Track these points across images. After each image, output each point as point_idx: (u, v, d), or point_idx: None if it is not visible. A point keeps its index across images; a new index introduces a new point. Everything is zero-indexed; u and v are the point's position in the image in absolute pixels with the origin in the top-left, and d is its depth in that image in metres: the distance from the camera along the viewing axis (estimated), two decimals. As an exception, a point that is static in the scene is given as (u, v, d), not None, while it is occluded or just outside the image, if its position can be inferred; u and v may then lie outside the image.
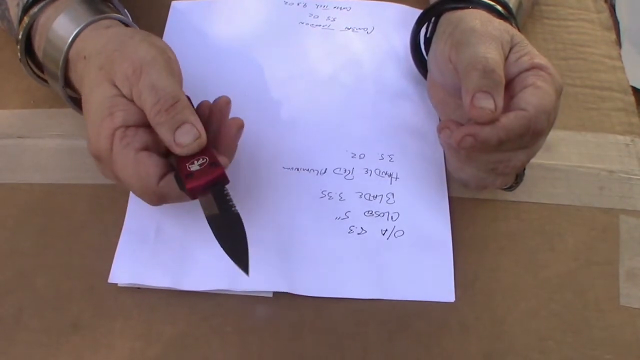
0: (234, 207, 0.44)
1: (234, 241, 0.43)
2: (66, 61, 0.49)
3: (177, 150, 0.44)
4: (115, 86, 0.45)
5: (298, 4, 0.64)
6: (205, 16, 0.63)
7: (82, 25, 0.48)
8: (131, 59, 0.45)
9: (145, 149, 0.44)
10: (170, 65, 0.46)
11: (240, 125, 0.47)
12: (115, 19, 0.50)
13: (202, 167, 0.43)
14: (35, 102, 0.57)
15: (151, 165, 0.44)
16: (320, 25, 0.62)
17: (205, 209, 0.44)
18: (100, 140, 0.44)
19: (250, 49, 0.61)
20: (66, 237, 0.50)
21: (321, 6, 0.64)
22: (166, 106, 0.44)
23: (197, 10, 0.63)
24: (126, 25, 0.52)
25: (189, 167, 0.44)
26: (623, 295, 0.49)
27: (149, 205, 0.50)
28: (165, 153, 0.46)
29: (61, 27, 0.49)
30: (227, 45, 0.61)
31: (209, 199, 0.44)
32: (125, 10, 0.54)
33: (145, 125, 0.45)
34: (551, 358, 0.46)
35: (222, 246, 0.42)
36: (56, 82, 0.50)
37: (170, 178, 0.44)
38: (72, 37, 0.48)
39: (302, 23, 0.63)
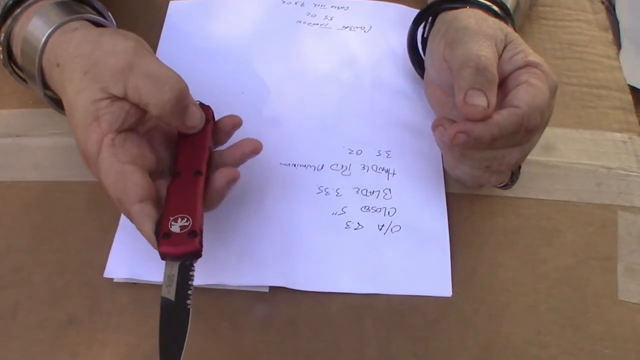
0: (190, 298, 0.41)
1: (171, 338, 0.40)
2: (41, 67, 0.48)
3: (190, 131, 0.47)
4: (102, 89, 0.44)
5: (296, 3, 0.64)
6: (203, 16, 0.63)
7: (49, 31, 0.47)
8: (114, 53, 0.44)
9: (133, 162, 0.44)
10: (151, 51, 0.46)
11: (234, 178, 0.46)
12: (85, 19, 0.50)
13: (182, 232, 0.41)
14: (34, 102, 0.57)
15: (132, 182, 0.43)
16: (317, 24, 0.63)
17: (165, 283, 0.41)
18: (88, 144, 0.44)
19: (248, 48, 0.61)
20: (62, 233, 0.50)
21: (319, 5, 0.64)
22: (173, 94, 0.44)
23: (195, 9, 0.64)
24: (99, 24, 0.51)
25: (170, 224, 0.42)
26: (621, 290, 0.48)
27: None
28: (156, 169, 0.45)
29: (34, 31, 0.48)
30: (224, 44, 0.61)
31: (173, 273, 0.41)
32: (109, 14, 0.54)
33: (133, 127, 0.45)
34: (550, 352, 0.46)
35: (160, 334, 0.40)
36: (36, 85, 0.50)
37: (148, 208, 0.42)
38: (41, 45, 0.47)
39: (300, 22, 0.63)
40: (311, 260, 0.49)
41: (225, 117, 0.49)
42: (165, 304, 0.41)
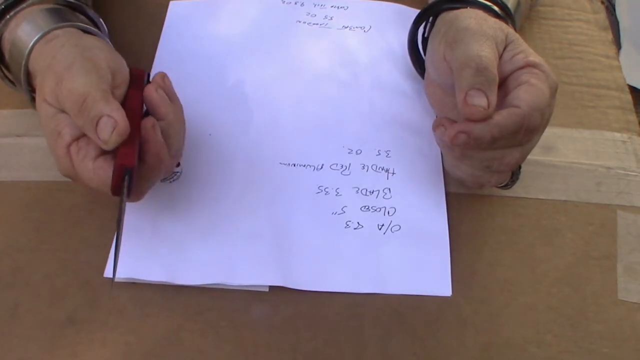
0: (124, 195, 0.42)
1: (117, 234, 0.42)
2: (28, 73, 0.49)
3: (105, 147, 0.42)
4: (50, 104, 0.44)
5: (295, 3, 0.65)
6: (203, 16, 0.63)
7: (35, 38, 0.47)
8: (54, 71, 0.44)
9: (103, 153, 0.44)
10: (93, 62, 0.45)
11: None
12: (72, 26, 0.49)
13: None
14: (34, 102, 0.58)
15: (110, 169, 0.43)
16: (317, 24, 0.63)
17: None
18: (60, 161, 0.44)
19: (248, 48, 0.61)
20: (62, 233, 0.50)
21: (318, 5, 0.64)
22: (77, 106, 0.42)
23: (195, 9, 0.64)
24: (84, 31, 0.50)
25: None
26: (621, 289, 0.48)
27: (145, 201, 0.51)
28: None
29: (22, 36, 0.48)
30: (224, 44, 0.61)
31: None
32: (101, 20, 0.53)
33: None
34: (549, 351, 0.46)
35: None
36: (23, 90, 0.50)
37: None
38: (27, 51, 0.48)
39: (300, 22, 0.63)
40: (311, 259, 0.49)
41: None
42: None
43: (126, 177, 0.42)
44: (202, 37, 0.62)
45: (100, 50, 0.46)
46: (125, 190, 0.42)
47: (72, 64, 0.44)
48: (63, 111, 0.44)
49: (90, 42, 0.47)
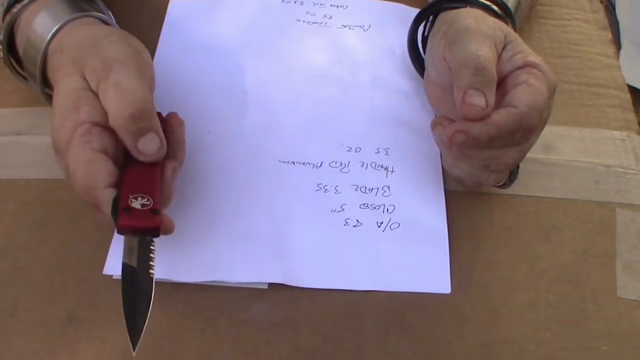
0: (153, 268, 0.41)
1: (135, 305, 0.40)
2: (44, 57, 0.49)
3: (140, 158, 0.43)
4: (85, 79, 0.44)
5: (295, 2, 0.65)
6: (203, 15, 0.64)
7: (63, 21, 0.48)
8: (103, 55, 0.44)
9: (104, 151, 0.43)
10: (143, 67, 0.45)
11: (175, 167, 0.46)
12: (96, 17, 0.50)
13: (144, 209, 0.42)
14: (35, 100, 0.57)
15: (103, 169, 0.42)
16: (317, 23, 0.63)
17: (126, 253, 0.42)
18: (62, 131, 0.44)
19: (248, 47, 0.61)
20: (62, 230, 0.50)
21: (318, 4, 0.65)
22: (131, 109, 0.42)
23: (195, 8, 0.64)
24: (107, 24, 0.51)
25: (131, 201, 0.42)
26: (620, 287, 0.48)
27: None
28: (122, 165, 0.45)
29: (41, 24, 0.48)
30: (224, 43, 0.61)
31: (133, 244, 0.42)
32: (110, 13, 0.54)
33: (109, 126, 0.44)
34: (548, 349, 0.46)
35: (123, 303, 0.40)
36: (34, 80, 0.50)
37: (113, 193, 0.43)
38: (52, 32, 0.48)
39: (299, 21, 0.63)
40: (310, 257, 0.49)
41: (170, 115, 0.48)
42: (127, 270, 0.41)
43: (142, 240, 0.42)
44: (202, 35, 0.62)
45: (147, 56, 0.47)
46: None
47: (126, 59, 0.44)
48: (91, 91, 0.44)
49: (138, 45, 0.48)
